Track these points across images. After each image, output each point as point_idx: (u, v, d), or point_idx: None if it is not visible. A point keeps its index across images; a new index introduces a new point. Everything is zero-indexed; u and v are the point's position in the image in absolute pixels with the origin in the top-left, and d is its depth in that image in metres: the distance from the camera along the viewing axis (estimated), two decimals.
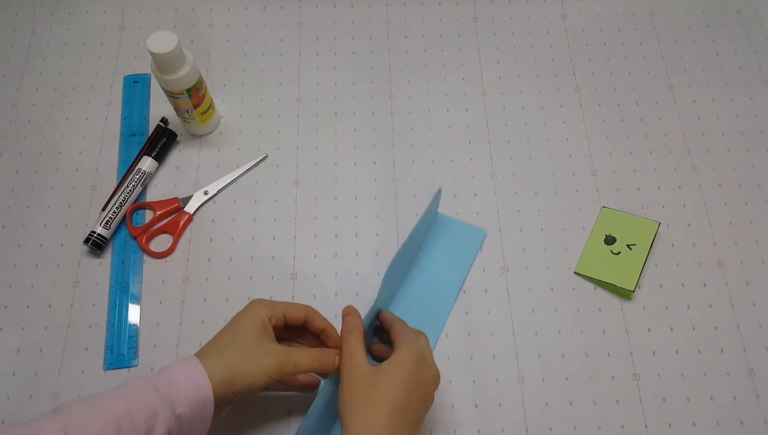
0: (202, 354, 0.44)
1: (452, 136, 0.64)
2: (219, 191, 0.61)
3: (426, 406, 0.45)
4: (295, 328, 0.50)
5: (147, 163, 0.60)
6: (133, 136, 0.64)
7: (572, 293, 0.56)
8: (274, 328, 0.47)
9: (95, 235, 0.57)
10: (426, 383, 0.44)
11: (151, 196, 0.61)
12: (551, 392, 0.53)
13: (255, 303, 0.48)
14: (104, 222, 0.57)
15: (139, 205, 0.60)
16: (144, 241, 0.58)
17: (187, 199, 0.60)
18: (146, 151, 0.61)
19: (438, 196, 0.56)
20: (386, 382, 0.42)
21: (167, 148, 0.62)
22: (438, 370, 0.45)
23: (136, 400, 0.40)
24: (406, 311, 0.55)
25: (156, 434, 0.40)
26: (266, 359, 0.44)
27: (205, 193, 0.61)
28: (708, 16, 0.70)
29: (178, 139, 0.63)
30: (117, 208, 0.58)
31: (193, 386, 0.41)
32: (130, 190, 0.59)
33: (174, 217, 0.59)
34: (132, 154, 0.62)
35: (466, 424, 0.51)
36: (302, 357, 0.45)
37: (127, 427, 0.38)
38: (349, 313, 0.48)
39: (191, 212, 0.60)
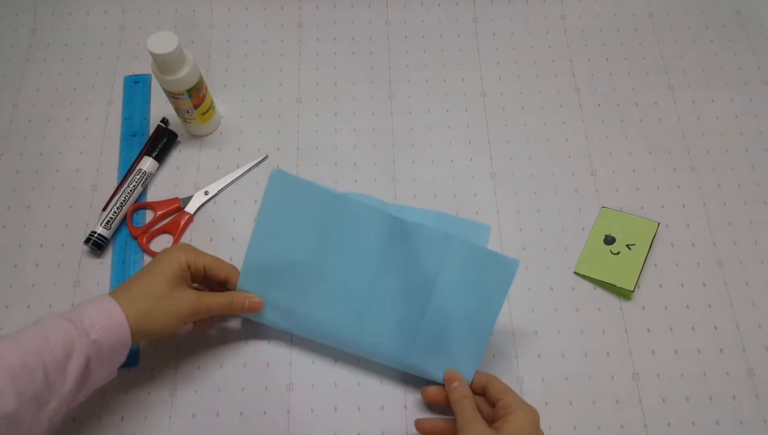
0: (113, 293, 0.46)
1: (452, 136, 0.64)
2: (219, 191, 0.61)
3: None
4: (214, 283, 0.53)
5: (147, 164, 0.60)
6: (133, 136, 0.64)
7: (572, 293, 0.57)
8: (193, 275, 0.50)
9: (96, 235, 0.57)
10: None
11: (151, 196, 0.61)
12: (551, 392, 0.53)
13: (177, 248, 0.50)
14: (105, 222, 0.57)
15: (140, 206, 0.60)
16: (144, 241, 0.58)
17: (187, 200, 0.60)
18: (147, 151, 0.61)
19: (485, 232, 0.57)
20: None
21: (168, 148, 0.62)
22: None
23: (51, 331, 0.41)
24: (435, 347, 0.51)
25: (74, 359, 0.41)
26: (177, 307, 0.48)
27: (206, 193, 0.61)
28: (707, 17, 0.70)
29: (178, 139, 0.63)
30: (117, 208, 0.58)
31: (104, 314, 0.44)
32: (131, 191, 0.59)
33: (174, 217, 0.59)
34: (132, 155, 0.62)
35: None
36: (214, 301, 0.50)
37: (46, 355, 0.40)
38: (455, 379, 0.50)
39: (192, 212, 0.60)
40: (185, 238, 0.59)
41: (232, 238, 0.59)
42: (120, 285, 0.48)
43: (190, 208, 0.60)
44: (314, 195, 0.52)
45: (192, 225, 0.60)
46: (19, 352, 0.39)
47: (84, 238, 0.57)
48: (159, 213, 0.59)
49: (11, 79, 0.67)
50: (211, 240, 0.59)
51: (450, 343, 0.51)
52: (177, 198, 0.60)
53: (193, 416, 0.52)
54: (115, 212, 0.58)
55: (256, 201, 0.61)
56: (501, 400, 0.47)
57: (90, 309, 0.44)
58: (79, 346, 0.42)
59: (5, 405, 0.37)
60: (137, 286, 0.47)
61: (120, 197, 0.58)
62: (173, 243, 0.58)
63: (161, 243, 0.59)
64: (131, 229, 0.59)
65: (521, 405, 0.46)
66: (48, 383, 0.40)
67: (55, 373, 0.41)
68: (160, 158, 0.61)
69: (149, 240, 0.59)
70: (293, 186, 0.52)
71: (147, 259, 0.58)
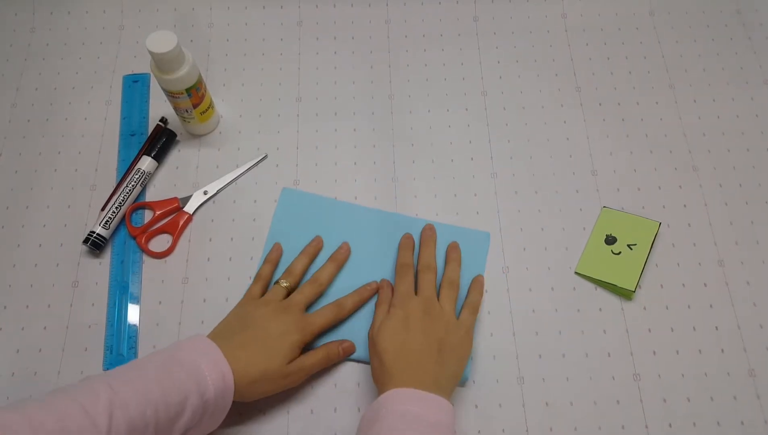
0: (225, 350, 0.46)
1: (452, 135, 0.64)
2: (218, 191, 0.61)
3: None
4: None
5: (146, 163, 0.60)
6: (132, 135, 0.63)
7: (572, 293, 0.56)
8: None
9: (94, 235, 0.57)
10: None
11: (150, 196, 0.61)
12: (551, 392, 0.52)
13: (296, 331, 0.50)
14: (103, 222, 0.57)
15: (139, 205, 0.60)
16: (143, 241, 0.58)
17: (186, 199, 0.60)
18: (146, 150, 0.61)
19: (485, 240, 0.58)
20: None
21: (167, 147, 0.62)
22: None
23: (171, 383, 0.42)
24: None
25: (185, 416, 0.42)
26: (284, 383, 0.49)
27: (205, 193, 0.60)
28: (708, 16, 0.70)
29: (177, 138, 0.63)
30: (116, 208, 0.58)
31: (218, 375, 0.44)
32: (130, 190, 0.59)
33: (173, 217, 0.59)
34: (131, 154, 0.62)
35: (466, 424, 0.51)
36: (313, 363, 0.50)
37: (162, 410, 0.41)
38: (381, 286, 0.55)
39: (191, 212, 0.59)
40: (184, 238, 0.59)
41: (231, 238, 0.59)
42: (230, 337, 0.48)
43: (189, 207, 0.60)
44: (318, 204, 0.59)
45: (191, 225, 0.59)
46: (139, 401, 0.40)
47: (83, 238, 0.57)
48: (158, 213, 0.59)
49: (10, 79, 0.67)
50: (210, 240, 0.59)
51: None
52: (176, 198, 0.60)
53: None
54: (114, 212, 0.58)
55: (255, 201, 0.60)
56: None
57: (206, 367, 0.44)
58: (191, 405, 0.42)
59: None
60: (252, 354, 0.47)
61: (119, 197, 0.58)
62: (172, 243, 0.58)
63: (160, 243, 0.59)
64: (130, 228, 0.58)
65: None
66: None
67: (164, 430, 0.41)
68: (159, 158, 0.61)
69: (148, 240, 0.58)
70: (300, 199, 0.60)
71: (146, 259, 0.58)
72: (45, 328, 0.55)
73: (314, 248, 0.57)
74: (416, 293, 0.52)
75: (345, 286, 0.56)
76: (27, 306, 0.56)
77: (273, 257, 0.56)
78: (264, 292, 0.54)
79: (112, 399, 0.39)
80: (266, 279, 0.54)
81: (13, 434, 0.35)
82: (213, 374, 0.43)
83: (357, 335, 0.54)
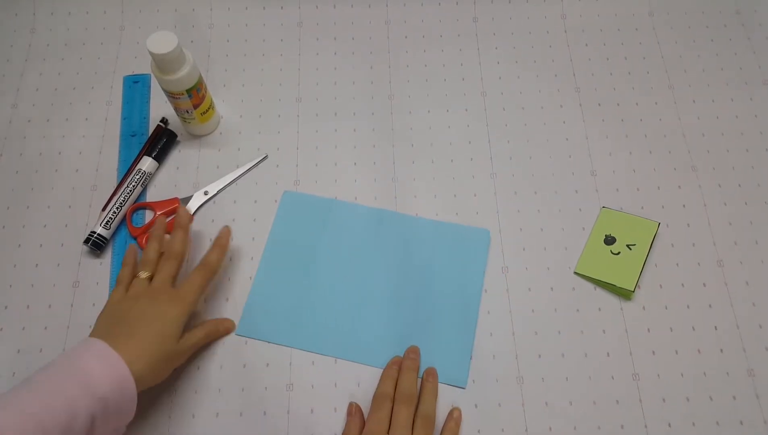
0: (111, 342, 0.44)
1: (452, 136, 0.64)
2: (219, 191, 0.61)
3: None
4: None
5: (147, 164, 0.60)
6: (133, 136, 0.64)
7: (572, 293, 0.56)
8: None
9: (95, 235, 0.57)
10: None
11: (151, 196, 0.61)
12: (551, 392, 0.53)
13: (176, 306, 0.49)
14: (104, 222, 0.57)
15: (140, 206, 0.60)
16: (144, 241, 0.58)
17: (187, 199, 0.60)
18: (146, 151, 0.61)
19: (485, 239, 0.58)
20: None
21: (167, 148, 0.62)
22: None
23: (51, 394, 0.40)
24: (429, 332, 0.54)
25: (79, 421, 0.40)
26: (178, 360, 0.50)
27: (205, 193, 0.61)
28: (707, 17, 0.70)
29: (178, 139, 0.63)
30: (117, 208, 0.58)
31: (108, 368, 0.42)
32: (130, 191, 0.59)
33: (174, 217, 0.59)
34: (132, 155, 0.62)
35: (466, 424, 0.51)
36: (197, 340, 0.51)
37: (48, 421, 0.38)
38: (350, 413, 0.51)
39: (191, 212, 0.60)
40: (206, 241, 0.58)
41: (231, 238, 0.59)
42: (113, 332, 0.46)
43: (190, 208, 0.60)
44: (317, 205, 0.59)
45: (191, 225, 0.59)
46: (18, 421, 0.37)
47: (83, 238, 0.57)
48: (159, 213, 0.59)
49: (10, 79, 0.67)
50: (211, 240, 0.59)
51: (440, 336, 0.54)
52: (176, 198, 0.60)
53: (193, 416, 0.52)
54: (115, 212, 0.58)
55: (255, 201, 0.61)
56: None
57: (92, 364, 0.42)
58: (84, 406, 0.40)
59: None
60: (142, 340, 0.46)
61: (119, 197, 0.58)
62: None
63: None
64: (131, 229, 0.59)
65: None
66: None
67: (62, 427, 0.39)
68: (159, 158, 0.61)
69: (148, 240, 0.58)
70: (300, 201, 0.60)
71: None
72: (46, 328, 0.55)
73: (160, 231, 0.55)
74: (390, 428, 0.48)
75: (346, 287, 0.56)
76: (28, 306, 0.56)
77: (130, 260, 0.54)
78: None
79: None
80: (127, 281, 0.52)
81: None
82: (102, 369, 0.42)
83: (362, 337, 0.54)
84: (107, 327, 0.48)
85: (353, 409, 0.51)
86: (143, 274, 0.51)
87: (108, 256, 0.58)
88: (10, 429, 0.37)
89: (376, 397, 0.50)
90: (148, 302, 0.49)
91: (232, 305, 0.56)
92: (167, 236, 0.55)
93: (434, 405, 0.51)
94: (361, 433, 0.49)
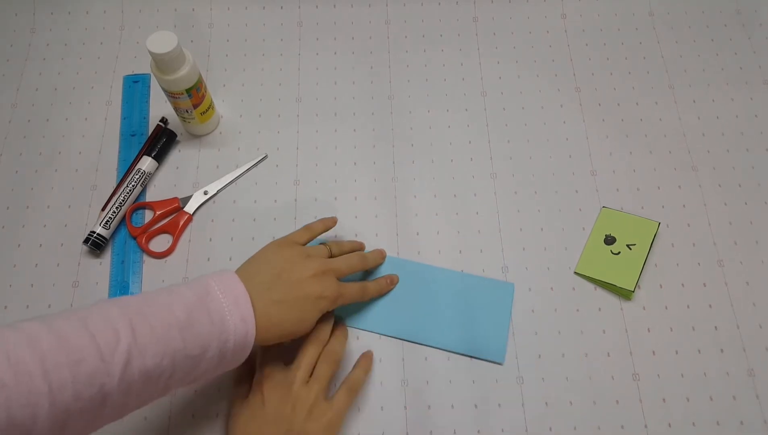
0: (256, 313, 0.43)
1: (452, 136, 0.64)
2: (219, 191, 0.61)
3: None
4: None
5: (147, 163, 0.60)
6: (132, 136, 0.64)
7: (572, 293, 0.56)
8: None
9: (95, 235, 0.57)
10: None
11: (150, 196, 0.61)
12: (551, 392, 0.53)
13: (329, 299, 0.47)
14: (104, 222, 0.57)
15: (139, 205, 0.60)
16: (144, 241, 0.58)
17: (186, 199, 0.60)
18: (146, 151, 0.61)
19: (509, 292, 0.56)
20: None
21: (167, 148, 0.62)
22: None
23: (194, 336, 0.39)
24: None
25: (200, 367, 0.40)
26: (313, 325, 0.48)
27: (205, 193, 0.61)
28: (708, 16, 0.70)
29: (177, 139, 0.63)
30: (117, 208, 0.58)
31: (242, 332, 0.42)
32: (130, 190, 0.59)
33: (174, 217, 0.59)
34: (132, 154, 0.62)
35: (466, 424, 0.51)
36: (350, 295, 0.50)
37: (179, 361, 0.39)
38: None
39: (191, 212, 0.60)
40: (184, 238, 0.59)
41: (231, 238, 0.59)
42: (266, 287, 0.44)
43: (190, 207, 0.60)
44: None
45: (191, 225, 0.59)
46: (157, 352, 0.37)
47: (83, 238, 0.57)
48: (158, 213, 0.59)
49: (10, 79, 0.67)
50: (210, 240, 0.59)
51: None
52: (176, 198, 0.60)
53: (193, 416, 0.51)
54: (114, 212, 0.58)
55: (255, 201, 0.60)
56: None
57: (233, 322, 0.41)
58: (210, 357, 0.40)
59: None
60: (284, 313, 0.45)
61: (119, 197, 0.58)
62: (173, 243, 0.58)
63: (161, 243, 0.59)
64: (130, 228, 0.59)
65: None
66: (173, 381, 0.39)
67: (178, 380, 0.40)
68: (159, 158, 0.61)
69: (148, 240, 0.58)
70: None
71: (146, 259, 0.58)
72: None
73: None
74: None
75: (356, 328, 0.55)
76: (27, 306, 0.56)
77: (330, 223, 0.54)
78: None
79: (131, 347, 0.36)
80: (314, 234, 0.51)
81: (24, 364, 0.32)
82: (238, 331, 0.41)
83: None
84: (266, 275, 0.46)
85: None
86: (327, 247, 0.51)
87: (107, 256, 0.58)
88: (150, 357, 0.37)
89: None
90: (316, 277, 0.47)
91: None
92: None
93: (343, 343, 0.50)
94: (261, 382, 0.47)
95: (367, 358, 0.52)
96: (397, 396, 0.52)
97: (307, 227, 0.52)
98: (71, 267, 0.57)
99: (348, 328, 0.54)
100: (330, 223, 0.54)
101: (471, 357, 0.54)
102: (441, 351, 0.54)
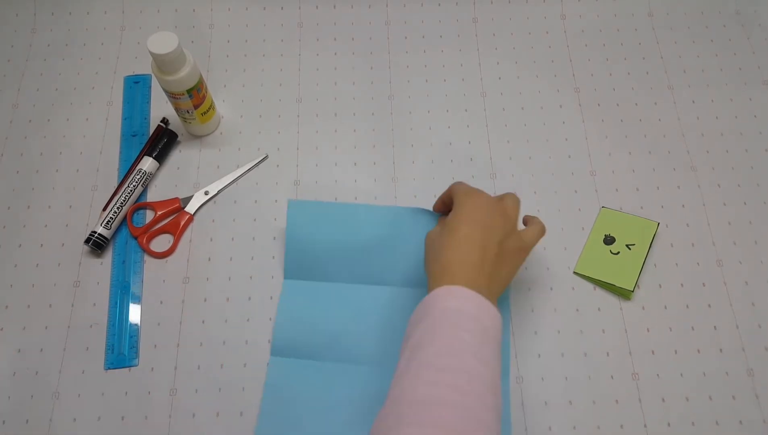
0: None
1: (452, 136, 0.64)
2: (219, 191, 0.61)
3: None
4: None
5: (148, 164, 0.60)
6: (133, 136, 0.64)
7: (571, 293, 0.57)
8: None
9: (96, 235, 0.57)
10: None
11: (151, 196, 0.61)
12: (551, 392, 0.53)
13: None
14: (105, 222, 0.57)
15: (140, 205, 0.60)
16: (145, 241, 0.58)
17: (187, 199, 0.60)
18: (147, 151, 0.61)
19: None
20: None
21: (168, 148, 0.62)
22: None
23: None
24: None
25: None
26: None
27: (206, 193, 0.61)
28: (707, 17, 0.70)
29: (178, 139, 0.63)
30: (118, 208, 0.58)
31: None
32: (131, 191, 0.59)
33: (174, 217, 0.59)
34: (133, 155, 0.62)
35: None
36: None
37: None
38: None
39: (192, 212, 0.60)
40: (185, 238, 0.59)
41: (232, 238, 0.59)
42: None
43: (190, 208, 0.60)
44: (327, 211, 0.57)
45: (192, 225, 0.60)
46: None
47: (84, 238, 0.57)
48: (159, 213, 0.59)
49: (11, 79, 0.67)
50: (211, 240, 0.59)
51: None
52: (177, 198, 0.60)
53: (193, 416, 0.52)
54: (116, 212, 0.58)
55: (256, 201, 0.61)
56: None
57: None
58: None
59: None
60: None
61: (120, 197, 0.58)
62: (173, 243, 0.58)
63: (162, 243, 0.59)
64: (131, 229, 0.59)
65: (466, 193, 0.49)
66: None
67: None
68: (160, 158, 0.61)
69: (149, 240, 0.59)
70: (308, 210, 0.57)
71: (147, 258, 0.58)
72: (46, 327, 0.55)
73: None
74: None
75: (360, 286, 0.55)
76: (28, 306, 0.56)
77: None
78: None
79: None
80: None
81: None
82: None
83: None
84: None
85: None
86: None
87: (108, 256, 0.58)
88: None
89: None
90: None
91: (231, 305, 0.56)
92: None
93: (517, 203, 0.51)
94: None
95: (538, 222, 0.52)
96: None
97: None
98: (72, 267, 0.57)
99: None
100: None
101: None
102: None
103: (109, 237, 0.58)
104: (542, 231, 0.50)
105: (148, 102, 0.66)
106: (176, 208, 0.60)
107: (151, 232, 0.59)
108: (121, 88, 0.66)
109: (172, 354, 0.54)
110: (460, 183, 0.52)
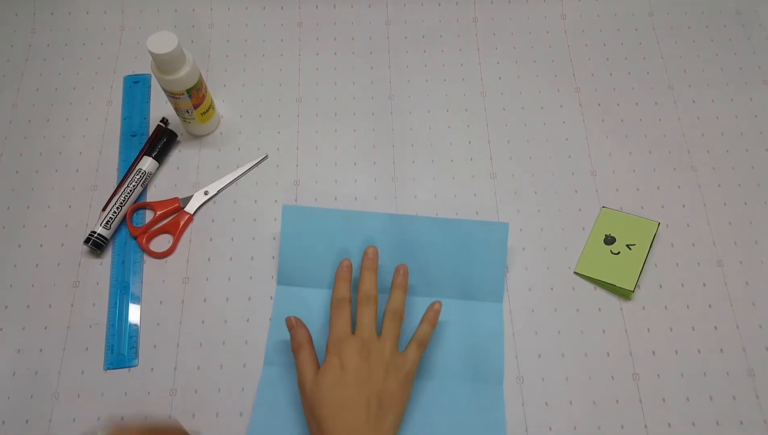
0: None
1: (452, 136, 0.64)
2: (219, 191, 0.61)
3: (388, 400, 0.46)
4: None
5: (147, 164, 0.60)
6: (133, 136, 0.64)
7: (572, 293, 0.57)
8: None
9: (95, 235, 0.57)
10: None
11: (151, 196, 0.61)
12: (551, 392, 0.53)
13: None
14: (104, 222, 0.57)
15: (140, 206, 0.60)
16: (144, 241, 0.58)
17: (187, 199, 0.60)
18: (146, 151, 0.61)
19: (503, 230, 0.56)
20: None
21: (167, 148, 0.62)
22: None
23: None
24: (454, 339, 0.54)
25: None
26: None
27: (206, 193, 0.61)
28: (707, 17, 0.70)
29: (178, 139, 0.63)
30: (117, 208, 0.58)
31: None
32: (131, 191, 0.59)
33: (174, 217, 0.59)
34: (132, 155, 0.62)
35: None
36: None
37: None
38: (292, 326, 0.50)
39: (191, 212, 0.60)
40: (185, 238, 0.59)
41: (232, 238, 0.59)
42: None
43: (190, 208, 0.60)
44: (321, 217, 0.56)
45: (192, 225, 0.59)
46: None
47: (84, 238, 0.57)
48: (159, 213, 0.59)
49: (11, 79, 0.67)
50: (211, 240, 0.59)
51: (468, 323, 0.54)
52: (177, 198, 0.60)
53: (193, 416, 0.52)
54: (115, 212, 0.58)
55: (255, 201, 0.61)
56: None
57: None
58: None
59: None
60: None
61: (120, 197, 0.58)
62: (173, 243, 0.58)
63: (161, 243, 0.59)
64: (131, 229, 0.59)
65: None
66: None
67: None
68: (159, 158, 0.61)
69: (149, 240, 0.59)
70: (303, 215, 0.56)
71: (147, 259, 0.58)
72: (46, 327, 0.55)
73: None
74: (354, 329, 0.49)
75: (353, 293, 0.54)
76: (28, 306, 0.56)
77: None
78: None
79: None
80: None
81: None
82: None
83: None
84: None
85: (293, 322, 0.50)
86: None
87: (108, 256, 0.58)
88: None
89: (334, 302, 0.50)
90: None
91: (231, 305, 0.56)
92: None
93: (402, 300, 0.51)
94: (310, 341, 0.49)
95: (434, 311, 0.51)
96: None
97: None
98: (72, 267, 0.57)
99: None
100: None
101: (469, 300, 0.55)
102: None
103: (108, 237, 0.58)
104: (424, 344, 0.49)
105: (148, 102, 0.66)
106: (176, 207, 0.60)
107: (150, 232, 0.59)
108: (120, 88, 0.66)
109: (172, 354, 0.54)
110: (334, 321, 0.49)
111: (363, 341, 0.47)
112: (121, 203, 0.58)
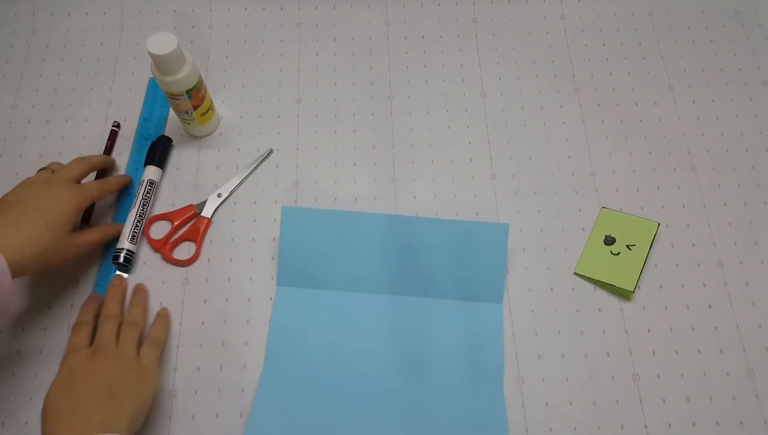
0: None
1: (452, 136, 0.64)
2: (232, 192, 0.61)
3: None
4: None
5: (152, 172, 0.60)
6: (146, 139, 0.63)
7: (572, 294, 0.57)
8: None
9: (125, 251, 0.55)
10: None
11: (157, 202, 0.60)
12: (551, 392, 0.53)
13: (67, 191, 0.51)
14: (130, 237, 0.56)
15: (158, 217, 0.59)
16: (168, 251, 0.57)
17: (202, 205, 0.60)
18: (149, 160, 0.60)
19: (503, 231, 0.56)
20: None
21: (166, 153, 0.61)
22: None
23: None
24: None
25: None
26: (64, 256, 0.51)
27: (218, 195, 0.60)
28: (707, 17, 0.70)
29: (173, 144, 0.63)
30: (138, 221, 0.57)
31: None
32: (146, 203, 0.58)
33: (193, 223, 0.59)
34: (134, 156, 0.62)
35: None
36: (92, 236, 0.54)
37: None
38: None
39: (209, 216, 0.59)
40: (206, 242, 0.58)
41: (232, 239, 0.59)
42: (8, 218, 0.47)
43: (207, 212, 0.59)
44: (320, 218, 0.56)
45: (212, 228, 0.59)
46: None
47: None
48: (176, 223, 0.58)
49: (10, 80, 0.67)
50: (211, 241, 0.59)
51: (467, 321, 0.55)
52: (191, 205, 0.60)
53: (193, 417, 0.52)
54: (138, 226, 0.57)
55: (255, 202, 0.60)
56: None
57: None
58: None
59: None
60: (28, 229, 0.47)
61: (137, 210, 0.57)
62: (197, 249, 0.58)
63: (184, 250, 0.58)
64: (151, 242, 0.58)
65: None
66: None
67: None
68: (161, 165, 0.61)
69: (172, 249, 0.58)
70: (302, 217, 0.56)
71: (146, 259, 0.58)
72: (45, 328, 0.55)
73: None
74: (94, 341, 0.50)
75: (353, 294, 0.55)
76: (28, 307, 0.56)
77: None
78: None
79: None
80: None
81: None
82: None
83: None
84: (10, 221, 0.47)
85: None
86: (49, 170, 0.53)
87: (104, 257, 0.58)
88: None
89: (74, 326, 0.52)
90: (44, 190, 0.50)
91: (231, 306, 0.56)
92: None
93: (141, 313, 0.53)
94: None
95: (162, 316, 0.54)
96: None
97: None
98: (71, 268, 0.57)
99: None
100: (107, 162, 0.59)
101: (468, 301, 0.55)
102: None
103: (135, 251, 0.57)
104: (158, 344, 0.52)
105: (167, 105, 0.65)
106: (192, 214, 0.59)
107: (172, 241, 0.58)
108: (120, 89, 0.66)
109: (172, 355, 0.54)
110: (70, 340, 0.51)
111: (98, 346, 0.49)
112: (140, 216, 0.57)
